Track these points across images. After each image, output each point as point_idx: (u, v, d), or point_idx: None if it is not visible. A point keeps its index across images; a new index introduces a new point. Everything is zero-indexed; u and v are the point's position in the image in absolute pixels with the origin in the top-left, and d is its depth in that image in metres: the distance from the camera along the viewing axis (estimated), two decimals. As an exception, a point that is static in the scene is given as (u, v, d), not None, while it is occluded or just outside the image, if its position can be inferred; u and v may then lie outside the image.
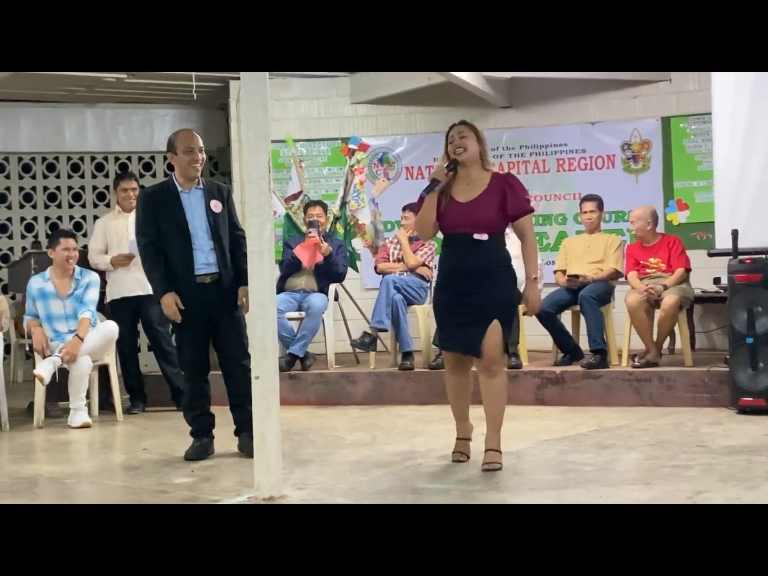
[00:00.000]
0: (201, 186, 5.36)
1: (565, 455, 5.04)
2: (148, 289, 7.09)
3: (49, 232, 9.70)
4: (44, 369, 6.46)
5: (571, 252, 7.37)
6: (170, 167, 9.63)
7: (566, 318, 7.32)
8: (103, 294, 7.29)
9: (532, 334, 7.36)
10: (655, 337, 6.95)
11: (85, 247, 9.57)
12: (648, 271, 7.05)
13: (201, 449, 5.34)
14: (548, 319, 7.06)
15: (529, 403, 6.78)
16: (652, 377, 6.68)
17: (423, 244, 7.44)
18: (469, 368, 4.84)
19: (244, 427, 5.19)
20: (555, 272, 7.42)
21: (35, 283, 6.79)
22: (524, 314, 4.83)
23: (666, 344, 7.34)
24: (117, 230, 7.27)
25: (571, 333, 7.28)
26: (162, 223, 5.28)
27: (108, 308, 7.25)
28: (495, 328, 4.62)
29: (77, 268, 6.88)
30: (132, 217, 7.17)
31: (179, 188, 5.33)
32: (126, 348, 7.22)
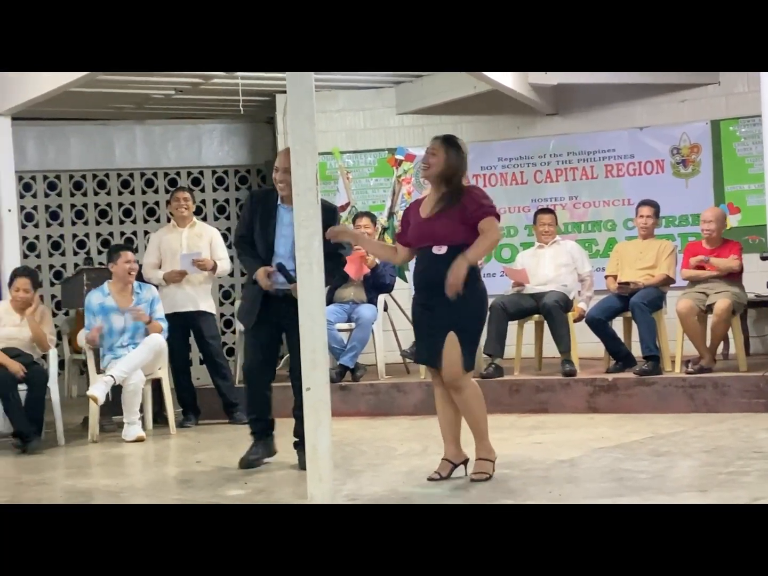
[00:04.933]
0: None
1: (620, 463, 4.99)
2: (199, 305, 7.22)
3: (101, 249, 9.82)
4: (98, 389, 6.51)
5: (622, 257, 7.31)
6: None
7: (618, 325, 7.25)
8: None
9: (584, 342, 7.31)
10: (708, 342, 6.86)
11: (136, 261, 9.75)
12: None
13: (254, 457, 5.41)
14: (599, 326, 7.01)
15: (581, 411, 6.73)
16: (706, 383, 6.59)
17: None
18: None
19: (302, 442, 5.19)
20: (606, 277, 7.36)
21: (95, 298, 6.86)
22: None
23: (720, 349, 7.25)
24: (171, 245, 7.33)
25: (622, 340, 7.21)
26: (256, 226, 5.40)
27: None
28: (451, 342, 4.63)
29: (135, 282, 6.95)
30: (186, 232, 7.30)
31: (279, 201, 5.38)
32: (178, 362, 7.28)
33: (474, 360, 4.85)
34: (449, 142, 4.75)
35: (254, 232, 5.42)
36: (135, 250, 9.72)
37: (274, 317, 5.34)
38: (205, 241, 7.32)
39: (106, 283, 6.92)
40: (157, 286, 7.22)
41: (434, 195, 4.78)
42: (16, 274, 6.86)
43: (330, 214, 5.15)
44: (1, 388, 6.43)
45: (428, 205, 4.77)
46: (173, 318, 7.15)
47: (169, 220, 7.88)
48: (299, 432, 5.31)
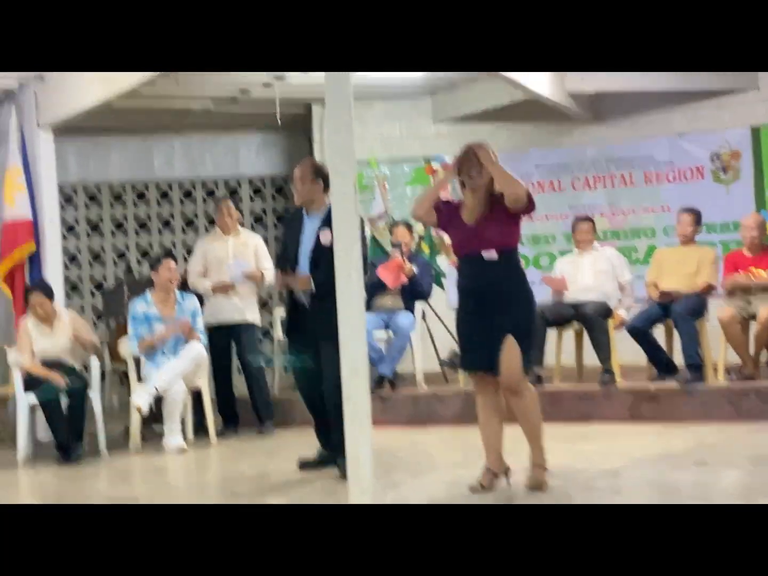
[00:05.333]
0: (323, 215, 5.43)
1: (664, 473, 4.95)
2: (245, 315, 7.22)
3: (141, 259, 9.90)
4: (141, 399, 6.54)
5: (663, 265, 7.24)
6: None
7: (659, 333, 7.18)
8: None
9: (625, 350, 7.23)
10: (751, 350, 6.77)
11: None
12: (748, 280, 6.91)
13: (307, 460, 5.58)
14: (641, 334, 6.94)
15: (624, 421, 6.66)
16: (750, 392, 6.52)
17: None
18: (494, 390, 4.80)
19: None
20: (647, 285, 7.29)
21: (139, 306, 6.89)
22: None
23: (764, 357, 7.15)
24: (217, 253, 7.32)
25: (665, 348, 7.14)
26: (288, 242, 5.64)
27: (204, 331, 7.39)
28: (510, 346, 4.63)
29: (178, 292, 6.98)
30: (232, 241, 7.32)
31: (305, 211, 5.53)
32: (221, 372, 7.30)
33: (530, 363, 4.84)
34: (490, 149, 4.76)
35: (287, 248, 5.63)
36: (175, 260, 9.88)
37: (306, 327, 5.46)
38: (250, 249, 7.33)
39: (149, 292, 6.96)
40: (201, 296, 7.25)
41: (474, 201, 4.75)
42: (28, 291, 6.87)
43: None
44: (43, 398, 6.49)
45: (470, 212, 4.75)
46: (218, 328, 7.19)
47: (206, 230, 7.91)
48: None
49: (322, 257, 5.36)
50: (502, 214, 4.67)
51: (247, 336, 7.24)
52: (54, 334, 6.80)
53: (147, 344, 6.80)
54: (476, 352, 4.74)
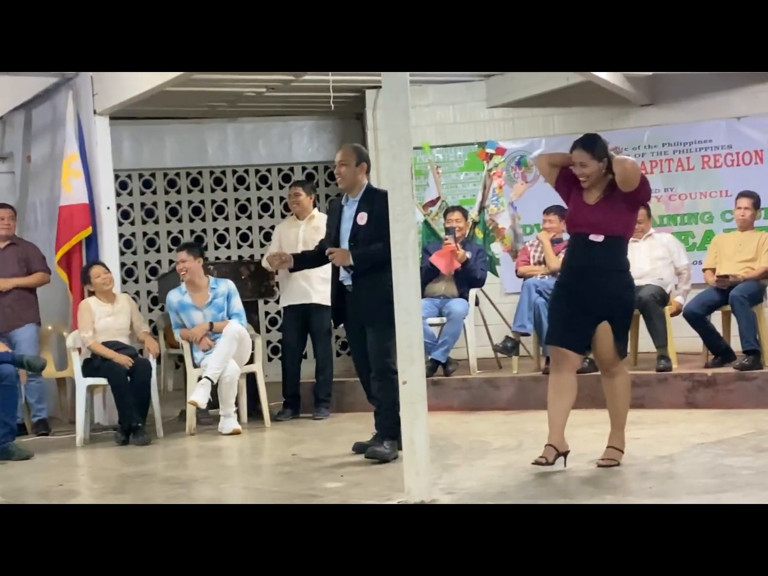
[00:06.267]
0: (359, 197, 5.47)
1: (721, 459, 4.90)
2: (313, 298, 7.22)
3: (195, 245, 9.98)
4: (199, 395, 6.57)
5: (721, 250, 7.15)
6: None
7: (716, 319, 7.09)
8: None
9: (681, 336, 7.16)
10: (811, 336, 6.67)
11: (229, 258, 9.92)
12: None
13: (361, 444, 5.58)
14: (698, 320, 6.87)
15: (679, 407, 6.60)
16: (809, 378, 6.41)
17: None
18: (572, 369, 4.82)
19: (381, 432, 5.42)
20: (704, 270, 7.21)
21: (174, 297, 7.00)
22: None
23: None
24: (289, 238, 7.39)
25: (721, 334, 7.06)
26: (328, 226, 5.70)
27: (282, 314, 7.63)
28: (605, 330, 4.77)
29: (211, 278, 7.04)
30: (304, 225, 7.35)
31: (344, 198, 5.58)
32: (289, 355, 7.38)
33: (627, 347, 4.98)
34: (590, 144, 4.81)
35: (327, 234, 5.73)
36: (226, 248, 9.97)
37: (351, 310, 5.51)
38: (322, 233, 7.32)
39: (183, 282, 7.03)
40: (276, 283, 7.41)
41: (590, 187, 4.84)
42: (87, 267, 7.03)
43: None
44: (113, 378, 6.61)
45: (590, 194, 4.83)
46: (290, 310, 7.33)
47: (260, 216, 7.92)
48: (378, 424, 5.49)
49: (359, 239, 5.42)
50: (620, 203, 4.76)
51: (316, 318, 7.26)
52: (115, 313, 6.91)
53: (186, 335, 6.91)
54: (566, 329, 4.80)
